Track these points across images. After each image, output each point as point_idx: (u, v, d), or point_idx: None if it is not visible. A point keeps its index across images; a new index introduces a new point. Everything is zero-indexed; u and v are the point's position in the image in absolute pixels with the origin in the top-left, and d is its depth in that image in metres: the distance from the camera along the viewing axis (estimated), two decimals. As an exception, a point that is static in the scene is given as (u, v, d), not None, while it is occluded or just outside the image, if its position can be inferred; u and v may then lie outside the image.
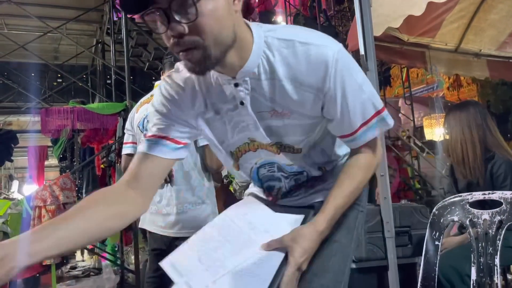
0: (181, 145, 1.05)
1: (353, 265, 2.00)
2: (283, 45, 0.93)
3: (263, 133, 1.04)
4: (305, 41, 0.93)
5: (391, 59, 4.05)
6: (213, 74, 0.99)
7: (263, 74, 0.95)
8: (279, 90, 0.97)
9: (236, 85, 0.97)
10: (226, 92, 0.99)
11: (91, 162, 5.01)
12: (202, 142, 2.12)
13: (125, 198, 0.99)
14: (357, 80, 0.97)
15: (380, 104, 1.02)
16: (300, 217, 1.05)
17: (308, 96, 0.97)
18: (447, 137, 2.23)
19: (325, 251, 1.05)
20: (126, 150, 2.29)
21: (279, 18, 8.26)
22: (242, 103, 0.99)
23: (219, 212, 1.54)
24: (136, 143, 2.25)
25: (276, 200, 1.22)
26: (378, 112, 1.02)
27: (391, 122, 1.05)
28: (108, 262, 4.90)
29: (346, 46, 3.48)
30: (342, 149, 1.19)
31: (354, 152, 1.09)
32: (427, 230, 1.68)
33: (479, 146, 2.09)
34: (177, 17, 0.80)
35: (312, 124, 1.04)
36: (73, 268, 5.61)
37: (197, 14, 0.80)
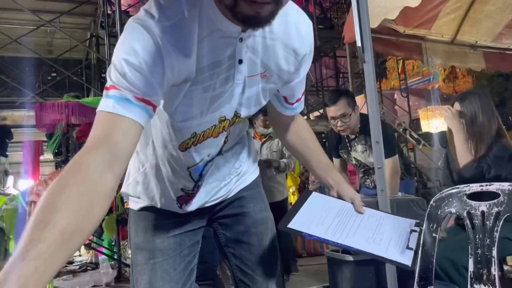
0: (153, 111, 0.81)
1: (351, 258, 2.01)
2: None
3: (237, 103, 0.97)
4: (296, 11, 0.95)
5: (388, 51, 4.04)
6: (213, 21, 0.83)
7: (262, 30, 0.88)
8: (271, 50, 0.92)
9: (241, 39, 0.86)
10: (224, 48, 0.86)
11: (86, 157, 4.98)
12: None
13: (106, 191, 0.71)
14: None
15: None
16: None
17: (291, 60, 0.97)
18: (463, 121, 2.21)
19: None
20: None
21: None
22: (240, 61, 0.89)
23: None
24: None
25: (190, 200, 1.13)
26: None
27: None
28: (105, 256, 4.90)
29: (342, 38, 3.48)
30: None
31: (290, 120, 1.17)
32: (425, 222, 1.68)
33: (491, 133, 2.15)
34: None
35: (273, 90, 1.04)
36: (70, 263, 5.60)
37: None
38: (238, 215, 1.20)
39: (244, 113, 1.01)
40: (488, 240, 1.48)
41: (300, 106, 1.14)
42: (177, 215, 1.15)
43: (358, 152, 2.79)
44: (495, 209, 1.49)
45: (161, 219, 1.15)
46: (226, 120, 0.99)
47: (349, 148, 2.82)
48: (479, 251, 1.50)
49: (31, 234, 0.59)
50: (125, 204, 3.46)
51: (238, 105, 0.98)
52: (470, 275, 1.50)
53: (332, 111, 2.60)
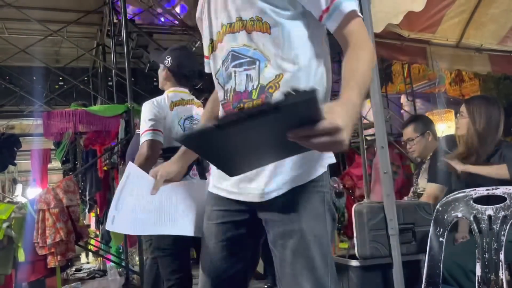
0: None
1: (358, 263, 2.00)
2: None
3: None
4: None
5: (392, 55, 4.04)
6: None
7: None
8: None
9: None
10: None
11: (93, 165, 5.02)
12: None
13: None
14: None
15: None
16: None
17: None
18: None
19: (303, 252, 1.04)
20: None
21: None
22: None
23: None
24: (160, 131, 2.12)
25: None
26: None
27: None
28: (112, 264, 4.91)
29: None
30: (305, 54, 1.09)
31: (344, 39, 1.02)
32: (431, 226, 1.68)
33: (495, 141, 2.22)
34: None
35: None
36: (78, 270, 5.63)
37: None
38: (270, 221, 1.11)
39: (237, 13, 1.11)
40: (495, 244, 1.47)
41: (336, 9, 1.01)
42: (219, 203, 1.20)
43: (423, 180, 2.75)
44: (502, 213, 1.48)
45: (208, 205, 1.24)
46: (223, 25, 1.15)
47: (418, 174, 2.86)
48: (486, 256, 1.49)
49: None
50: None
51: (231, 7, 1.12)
52: (478, 279, 1.49)
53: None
